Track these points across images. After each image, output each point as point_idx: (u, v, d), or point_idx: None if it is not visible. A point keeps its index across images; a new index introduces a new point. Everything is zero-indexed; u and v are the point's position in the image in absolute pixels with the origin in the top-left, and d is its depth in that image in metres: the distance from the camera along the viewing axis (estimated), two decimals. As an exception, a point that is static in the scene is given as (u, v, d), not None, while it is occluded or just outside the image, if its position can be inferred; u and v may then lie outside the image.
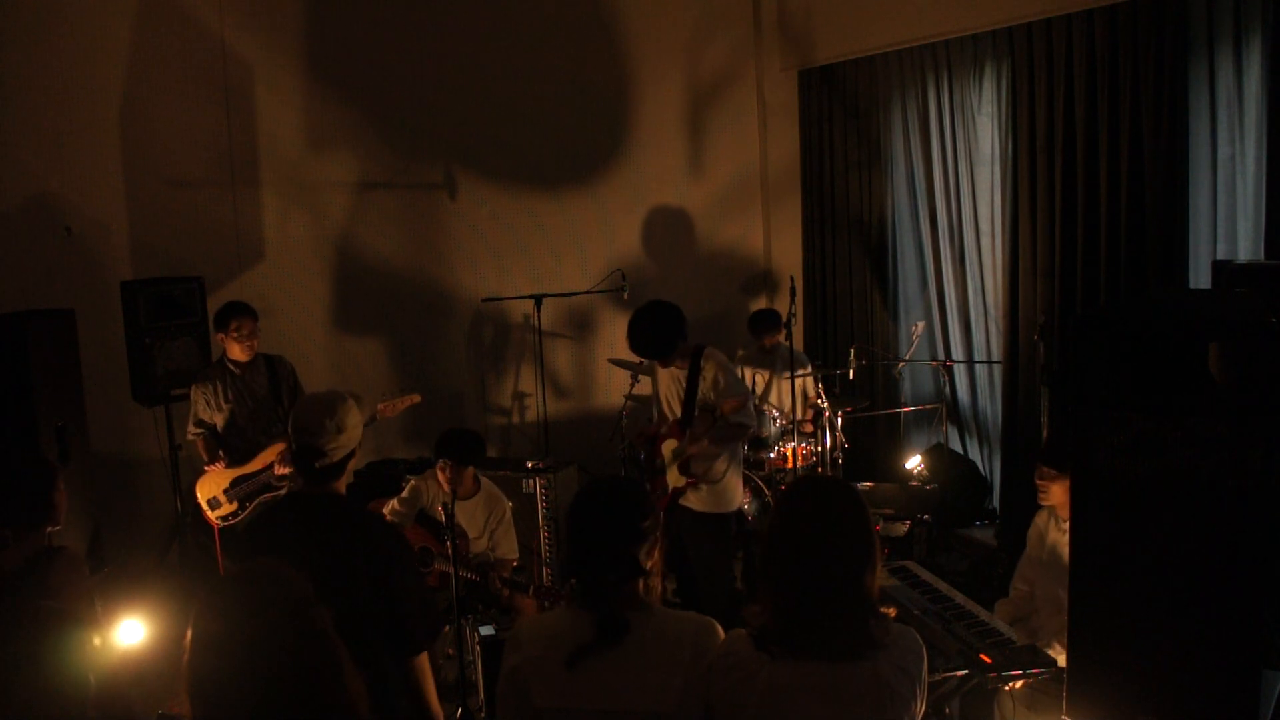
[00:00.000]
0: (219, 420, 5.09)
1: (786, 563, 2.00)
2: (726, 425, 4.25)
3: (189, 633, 1.76)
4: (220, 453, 5.05)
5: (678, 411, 4.36)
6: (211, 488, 5.01)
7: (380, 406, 5.11)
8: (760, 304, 7.64)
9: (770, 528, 2.07)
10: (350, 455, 2.78)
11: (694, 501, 4.34)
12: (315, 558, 2.62)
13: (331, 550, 2.62)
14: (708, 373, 4.25)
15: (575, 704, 2.02)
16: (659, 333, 4.20)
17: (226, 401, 5.07)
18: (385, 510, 4.55)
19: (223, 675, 1.71)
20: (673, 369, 4.37)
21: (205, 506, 5.00)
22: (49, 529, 2.98)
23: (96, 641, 2.84)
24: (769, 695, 1.94)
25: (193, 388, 5.13)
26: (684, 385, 4.32)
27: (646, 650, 2.03)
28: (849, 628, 1.96)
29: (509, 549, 4.63)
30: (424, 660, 2.71)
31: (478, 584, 4.37)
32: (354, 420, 2.72)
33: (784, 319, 5.83)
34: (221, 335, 5.06)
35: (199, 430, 5.11)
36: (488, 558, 4.55)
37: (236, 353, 5.07)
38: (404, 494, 4.61)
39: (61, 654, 2.70)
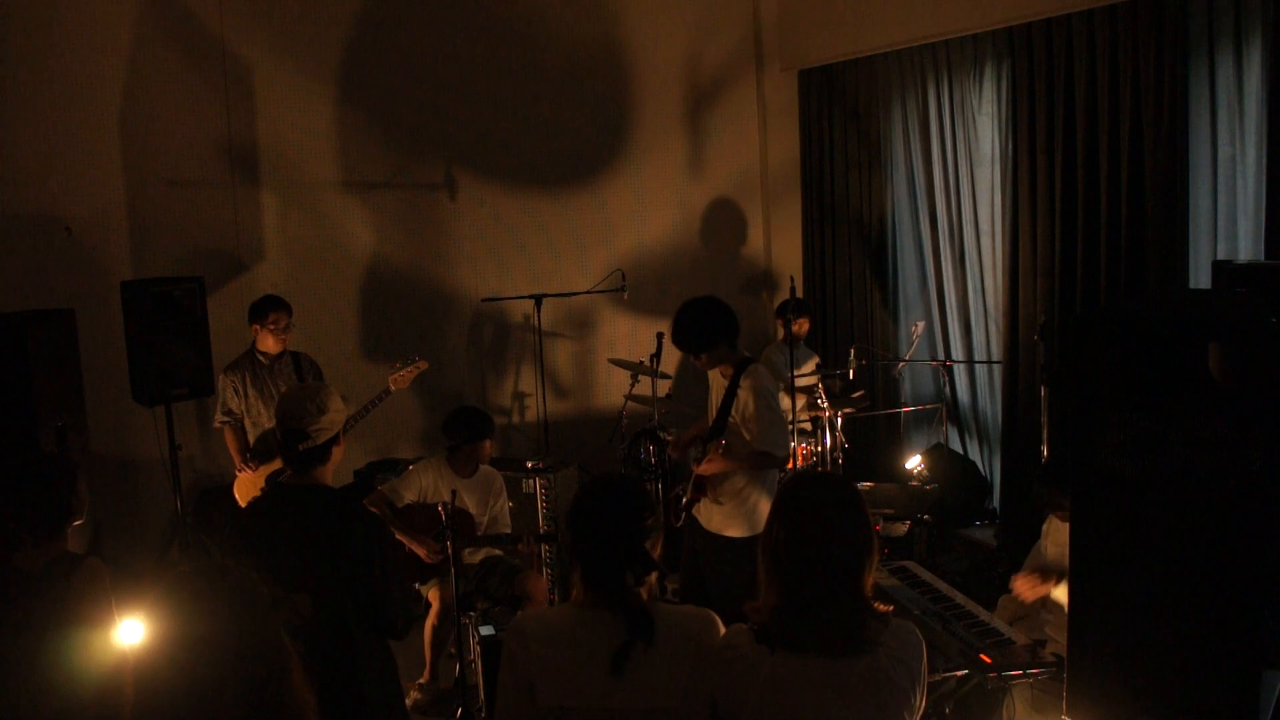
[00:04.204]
0: (247, 409, 5.18)
1: (787, 558, 2.01)
2: (752, 454, 4.00)
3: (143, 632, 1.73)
4: (249, 453, 5.15)
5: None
6: (249, 489, 5.08)
7: (391, 379, 5.19)
8: (760, 304, 7.65)
9: (770, 524, 2.08)
10: (334, 441, 2.84)
11: (705, 519, 4.16)
12: (298, 548, 2.66)
13: (314, 541, 2.68)
14: (741, 393, 4.00)
15: (583, 703, 2.02)
16: (690, 324, 4.03)
17: (251, 388, 5.15)
18: (383, 489, 4.67)
19: (172, 675, 1.67)
20: (718, 375, 4.16)
21: None
22: (71, 524, 2.97)
23: (117, 647, 2.85)
24: (770, 688, 1.95)
25: (221, 375, 5.23)
26: (722, 397, 4.10)
27: (652, 647, 2.04)
28: (847, 623, 1.97)
29: (505, 521, 4.89)
30: None
31: (489, 558, 4.66)
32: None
33: (785, 316, 5.83)
34: (256, 326, 5.17)
35: (226, 418, 5.21)
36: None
37: (269, 345, 5.18)
38: (401, 477, 4.76)
39: (75, 656, 2.72)
